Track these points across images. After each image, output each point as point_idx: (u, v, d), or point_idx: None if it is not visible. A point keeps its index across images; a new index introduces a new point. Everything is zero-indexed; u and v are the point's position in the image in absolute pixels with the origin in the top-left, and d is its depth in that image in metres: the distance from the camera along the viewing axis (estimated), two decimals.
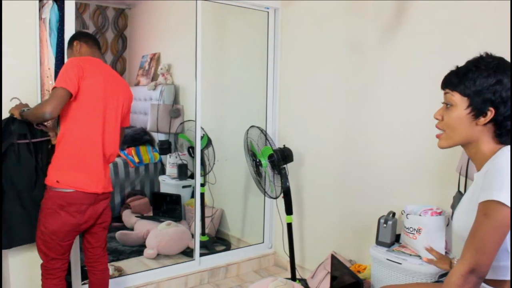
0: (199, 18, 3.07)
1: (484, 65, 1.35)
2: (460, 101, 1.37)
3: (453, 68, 1.44)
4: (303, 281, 3.09)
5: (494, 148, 1.38)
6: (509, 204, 1.22)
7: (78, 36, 2.38)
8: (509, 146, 1.36)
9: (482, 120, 1.35)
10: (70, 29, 2.52)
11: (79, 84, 2.09)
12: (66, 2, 2.50)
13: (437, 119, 1.46)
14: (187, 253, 3.54)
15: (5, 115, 2.28)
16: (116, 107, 2.29)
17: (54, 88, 2.05)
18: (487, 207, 1.26)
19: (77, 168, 2.14)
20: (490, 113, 1.34)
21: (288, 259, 3.11)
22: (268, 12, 3.45)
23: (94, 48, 2.36)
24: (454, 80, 1.39)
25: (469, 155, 1.45)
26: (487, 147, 1.38)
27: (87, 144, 2.17)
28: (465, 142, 1.41)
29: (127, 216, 4.18)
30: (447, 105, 1.42)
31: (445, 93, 1.43)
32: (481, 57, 1.39)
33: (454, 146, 1.45)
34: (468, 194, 1.47)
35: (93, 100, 2.16)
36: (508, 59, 1.40)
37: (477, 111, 1.35)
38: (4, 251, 2.39)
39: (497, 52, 1.41)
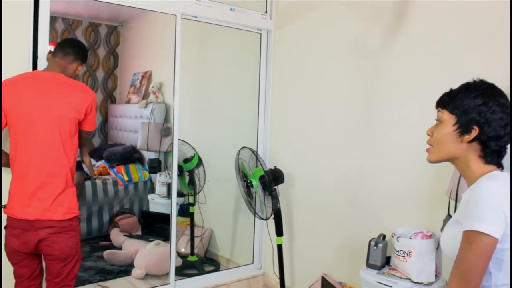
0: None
1: (474, 87, 1.46)
2: (448, 119, 1.48)
3: (447, 89, 1.53)
4: None
5: (482, 168, 1.45)
6: (490, 233, 1.29)
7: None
8: (486, 179, 1.41)
9: (467, 137, 1.44)
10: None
11: (4, 115, 2.10)
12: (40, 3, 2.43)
13: (428, 135, 1.55)
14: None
15: None
16: (51, 122, 2.11)
17: None
18: (470, 237, 1.33)
19: (14, 195, 2.14)
20: (474, 132, 1.43)
21: (278, 280, 3.09)
22: (260, 33, 3.49)
23: (55, 59, 2.25)
24: (446, 99, 1.50)
25: (460, 171, 1.53)
26: (475, 165, 1.45)
27: (19, 169, 2.13)
28: (451, 157, 1.50)
29: (115, 235, 4.12)
30: (438, 122, 1.52)
31: (437, 111, 1.53)
32: (473, 81, 1.49)
33: (441, 161, 1.53)
34: (456, 214, 1.52)
35: (22, 124, 2.10)
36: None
37: (462, 129, 1.44)
38: None
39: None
